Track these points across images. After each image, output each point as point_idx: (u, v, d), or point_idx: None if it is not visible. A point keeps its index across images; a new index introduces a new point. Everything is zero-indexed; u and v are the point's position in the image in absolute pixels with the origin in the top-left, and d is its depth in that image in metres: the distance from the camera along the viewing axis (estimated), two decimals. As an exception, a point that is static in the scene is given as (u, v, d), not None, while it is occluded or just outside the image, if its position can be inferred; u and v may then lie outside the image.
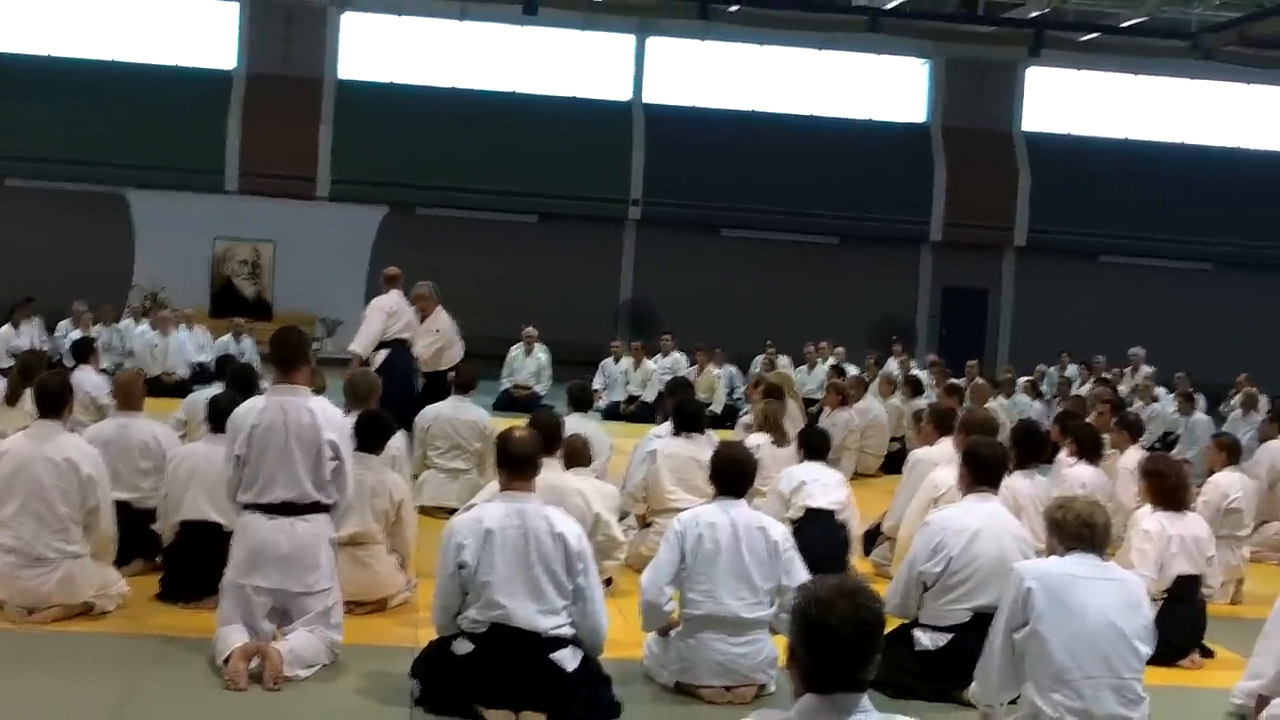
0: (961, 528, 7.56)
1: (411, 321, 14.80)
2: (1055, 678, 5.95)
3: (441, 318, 15.26)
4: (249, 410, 7.63)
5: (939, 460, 10.27)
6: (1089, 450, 11.39)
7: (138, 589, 8.76)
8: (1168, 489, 8.96)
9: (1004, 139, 35.86)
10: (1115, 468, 11.98)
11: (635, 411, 22.06)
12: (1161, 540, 8.74)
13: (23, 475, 8.14)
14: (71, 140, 31.38)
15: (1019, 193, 35.48)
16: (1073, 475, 10.98)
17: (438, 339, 15.10)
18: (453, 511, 8.89)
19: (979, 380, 19.42)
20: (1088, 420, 13.55)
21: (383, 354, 14.41)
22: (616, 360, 23.60)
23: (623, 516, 10.41)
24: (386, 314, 14.59)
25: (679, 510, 8.47)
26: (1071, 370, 25.61)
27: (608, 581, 8.55)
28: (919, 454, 11.20)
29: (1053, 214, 34.84)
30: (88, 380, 13.75)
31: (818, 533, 9.83)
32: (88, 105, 31.59)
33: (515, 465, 7.12)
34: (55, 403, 8.50)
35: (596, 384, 21.80)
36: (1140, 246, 34.96)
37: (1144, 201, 34.77)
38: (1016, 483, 9.37)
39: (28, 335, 22.07)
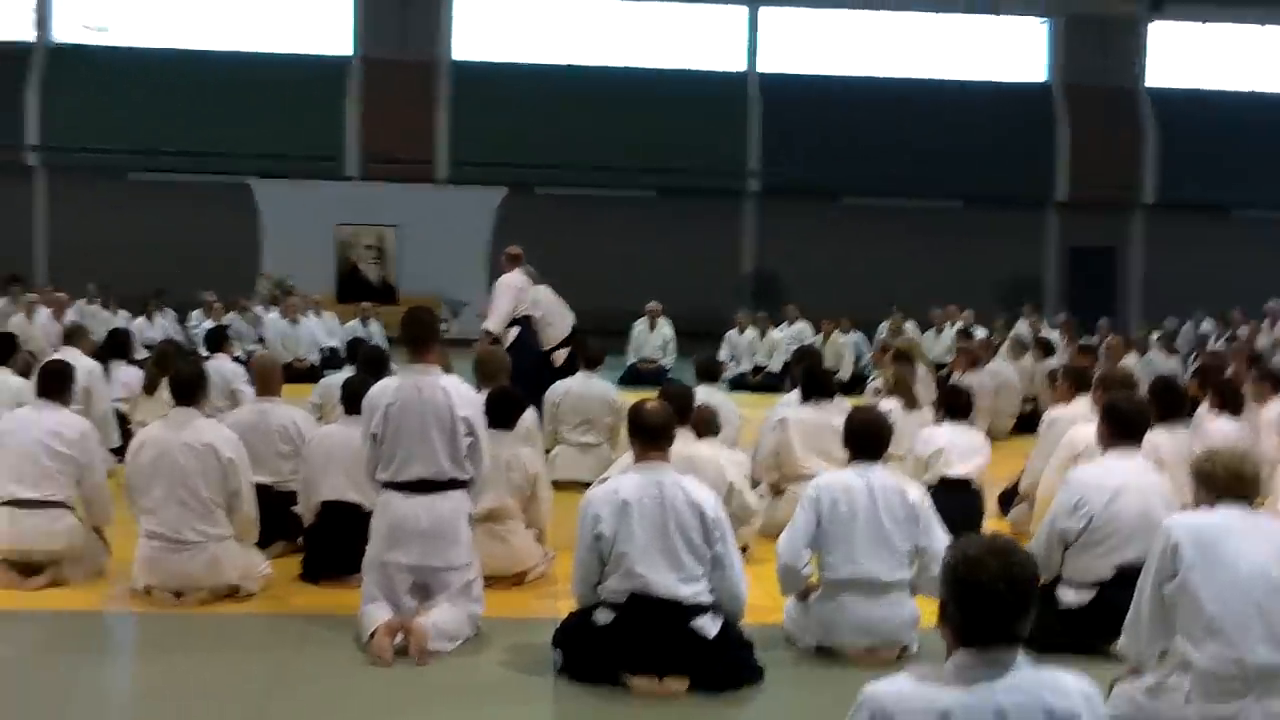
0: (1103, 484, 7.46)
1: (538, 300, 14.81)
2: (1207, 629, 5.81)
3: (540, 297, 15.11)
4: (384, 390, 7.70)
5: (1076, 419, 10.13)
6: (1230, 403, 11.18)
7: (280, 570, 8.89)
8: (1313, 440, 8.76)
9: (1128, 96, 35.18)
10: (1257, 420, 11.74)
11: (762, 381, 21.99)
12: (1309, 492, 8.55)
13: (164, 462, 8.25)
14: (192, 133, 31.80)
15: (1146, 149, 34.86)
16: (1214, 429, 10.77)
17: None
18: (586, 485, 8.92)
19: (1113, 338, 19.12)
20: (1227, 373, 13.29)
21: (514, 331, 14.46)
22: (741, 331, 23.53)
23: (754, 485, 10.37)
24: (517, 290, 14.65)
25: (812, 477, 8.40)
26: (1206, 325, 25.13)
27: (743, 549, 8.53)
28: (1055, 413, 11.07)
29: (1182, 170, 34.17)
30: (224, 368, 13.95)
31: (954, 502, 9.69)
32: (207, 97, 32.05)
33: (650, 436, 7.12)
34: (191, 390, 8.65)
35: (722, 355, 21.76)
36: (1275, 199, 34.18)
37: (1277, 154, 33.98)
38: (1158, 438, 9.17)
39: (161, 327, 22.52)
